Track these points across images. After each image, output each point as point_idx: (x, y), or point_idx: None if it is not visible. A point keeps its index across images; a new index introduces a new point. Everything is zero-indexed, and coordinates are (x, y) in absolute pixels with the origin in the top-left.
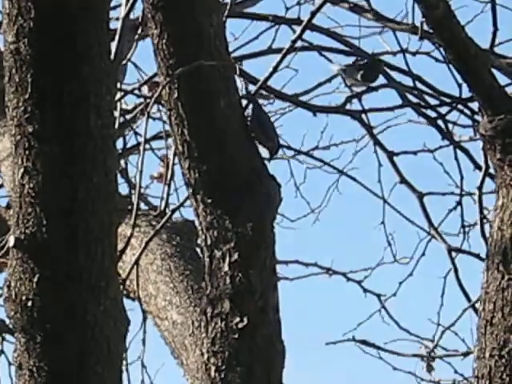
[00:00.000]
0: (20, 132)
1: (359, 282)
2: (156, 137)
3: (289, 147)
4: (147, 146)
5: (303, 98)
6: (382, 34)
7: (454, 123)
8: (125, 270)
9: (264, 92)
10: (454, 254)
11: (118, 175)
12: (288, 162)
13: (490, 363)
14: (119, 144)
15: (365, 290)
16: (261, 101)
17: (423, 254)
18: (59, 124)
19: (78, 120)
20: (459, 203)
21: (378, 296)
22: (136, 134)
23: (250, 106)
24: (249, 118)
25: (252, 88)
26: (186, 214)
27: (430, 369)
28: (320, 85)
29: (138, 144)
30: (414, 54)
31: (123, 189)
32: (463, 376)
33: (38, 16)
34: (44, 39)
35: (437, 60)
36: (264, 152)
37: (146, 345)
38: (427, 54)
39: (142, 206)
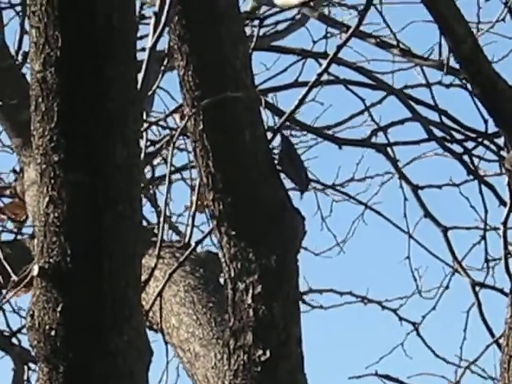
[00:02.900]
0: (46, 161)
1: (395, 311)
2: (186, 167)
3: (316, 181)
4: (178, 176)
5: (330, 132)
6: (409, 69)
7: (480, 158)
8: (148, 301)
9: (290, 124)
10: (477, 288)
11: (148, 204)
12: (315, 195)
13: None
14: (148, 174)
15: (400, 318)
16: (288, 133)
17: (447, 288)
18: (85, 153)
19: (103, 149)
20: (483, 237)
21: (414, 324)
22: (166, 163)
23: (280, 140)
24: (278, 152)
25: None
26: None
27: None
28: (351, 118)
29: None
30: (447, 86)
31: (153, 218)
32: None
33: (66, 45)
34: (71, 68)
35: (470, 93)
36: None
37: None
38: (461, 86)
39: (173, 236)
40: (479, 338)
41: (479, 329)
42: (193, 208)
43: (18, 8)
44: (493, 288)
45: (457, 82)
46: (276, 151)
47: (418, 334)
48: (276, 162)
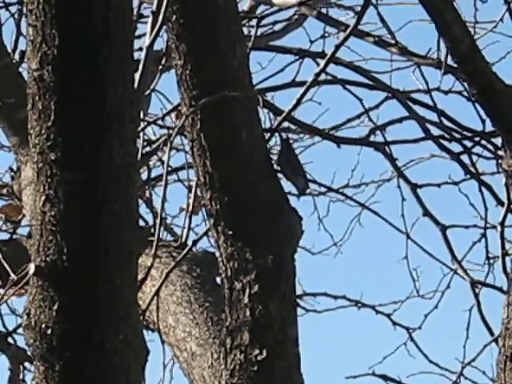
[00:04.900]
0: (42, 159)
1: (388, 315)
2: (182, 167)
3: (313, 181)
4: (175, 177)
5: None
6: (407, 68)
7: (479, 155)
8: (144, 300)
9: (288, 124)
10: (477, 288)
11: (144, 205)
12: (312, 196)
13: None
14: (144, 174)
15: (394, 323)
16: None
17: (448, 287)
18: (82, 151)
19: (100, 148)
20: (484, 235)
21: (407, 329)
22: (162, 164)
23: (280, 142)
24: (277, 154)
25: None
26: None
27: None
28: (349, 121)
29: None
30: (446, 92)
31: (148, 219)
32: None
33: (62, 44)
34: (68, 67)
35: (468, 99)
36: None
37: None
38: (459, 92)
39: (168, 236)
40: (480, 338)
41: (481, 329)
42: (189, 208)
43: (14, 9)
44: (492, 286)
45: (456, 88)
46: (275, 152)
47: (412, 340)
48: (274, 162)
